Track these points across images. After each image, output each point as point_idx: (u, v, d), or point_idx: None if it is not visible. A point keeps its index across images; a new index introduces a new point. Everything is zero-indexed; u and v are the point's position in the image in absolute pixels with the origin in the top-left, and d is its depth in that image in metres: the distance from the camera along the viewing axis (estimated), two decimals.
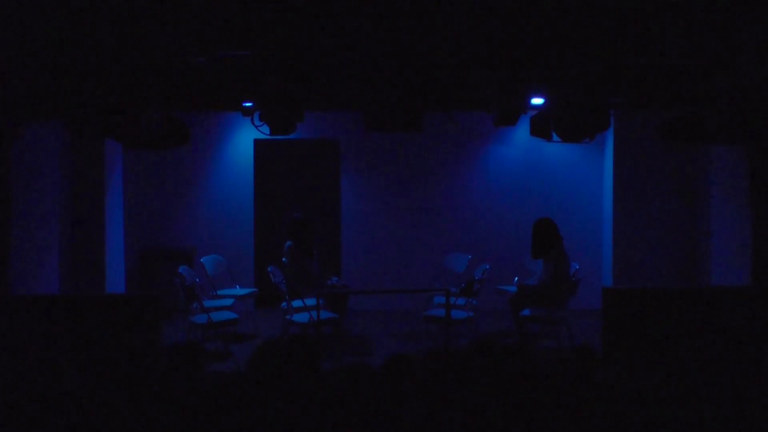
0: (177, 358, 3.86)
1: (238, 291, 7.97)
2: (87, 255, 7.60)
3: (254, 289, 8.31)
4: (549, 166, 9.09)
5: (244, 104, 7.03)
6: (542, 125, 6.63)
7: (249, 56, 5.63)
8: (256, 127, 6.81)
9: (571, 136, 6.27)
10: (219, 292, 7.77)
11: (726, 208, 7.86)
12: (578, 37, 5.15)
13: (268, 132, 6.73)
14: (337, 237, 9.19)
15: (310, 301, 6.73)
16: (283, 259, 7.37)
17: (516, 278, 7.73)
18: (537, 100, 6.83)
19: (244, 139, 9.02)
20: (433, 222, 9.12)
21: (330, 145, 9.19)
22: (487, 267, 7.09)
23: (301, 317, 6.74)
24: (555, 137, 6.53)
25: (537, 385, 3.67)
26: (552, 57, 5.61)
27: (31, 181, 7.13)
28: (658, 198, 8.57)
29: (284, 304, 6.96)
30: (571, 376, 3.81)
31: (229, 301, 7.42)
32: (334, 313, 6.95)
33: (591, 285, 8.27)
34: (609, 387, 4.19)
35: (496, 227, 9.07)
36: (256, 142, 9.01)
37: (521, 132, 8.62)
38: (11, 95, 6.08)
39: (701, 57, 5.47)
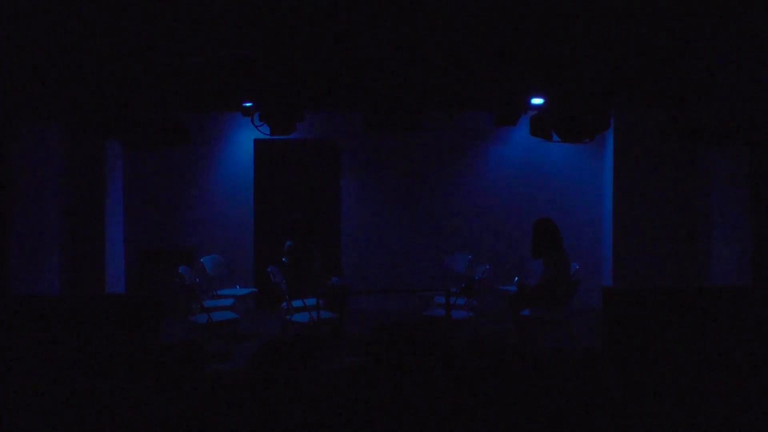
0: (177, 358, 3.87)
1: (238, 291, 7.97)
2: (87, 255, 7.60)
3: (254, 289, 8.31)
4: (549, 166, 9.09)
5: (244, 104, 7.03)
6: (542, 125, 6.63)
7: (249, 56, 5.64)
8: (256, 127, 6.81)
9: (571, 136, 6.28)
10: (219, 292, 7.76)
11: (726, 208, 7.86)
12: (578, 37, 5.15)
13: (268, 132, 6.73)
14: (337, 237, 9.19)
15: (310, 301, 6.72)
16: (283, 259, 7.37)
17: (516, 278, 7.73)
18: (537, 100, 6.84)
19: (244, 139, 9.01)
20: (433, 222, 9.11)
21: (330, 145, 9.19)
22: (487, 267, 7.09)
23: (301, 317, 6.73)
24: (555, 137, 6.53)
25: (537, 385, 3.67)
26: (552, 57, 5.61)
27: (31, 181, 7.14)
28: (658, 198, 8.57)
29: (284, 304, 6.96)
30: (570, 376, 3.81)
31: (229, 301, 7.42)
32: (334, 313, 6.95)
33: (591, 285, 8.27)
34: (609, 387, 4.18)
35: (496, 227, 9.07)
36: (256, 142, 9.01)
37: (521, 132, 8.62)
38: (11, 95, 6.08)
39: (701, 57, 5.47)
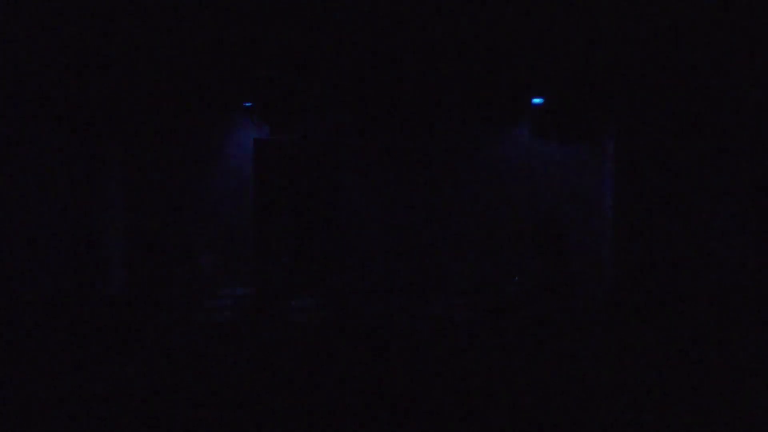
0: (177, 357, 3.87)
1: (238, 291, 7.97)
2: (87, 255, 7.61)
3: (254, 289, 8.31)
4: (549, 166, 9.09)
5: (244, 104, 7.04)
6: (542, 125, 6.64)
7: (249, 56, 5.64)
8: (257, 127, 6.82)
9: (571, 136, 6.29)
10: (219, 292, 7.77)
11: (726, 208, 7.86)
12: (578, 38, 5.15)
13: (268, 132, 6.73)
14: (337, 237, 9.19)
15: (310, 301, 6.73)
16: (283, 259, 7.37)
17: (516, 278, 7.74)
18: (537, 100, 6.85)
19: (244, 139, 9.02)
20: (433, 222, 9.12)
21: (330, 145, 9.19)
22: (489, 267, 7.09)
23: (300, 317, 6.74)
24: (555, 137, 6.54)
25: (537, 385, 3.67)
26: (552, 57, 5.62)
27: (31, 181, 7.14)
28: (658, 198, 8.57)
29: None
30: (571, 376, 3.81)
31: (229, 301, 7.42)
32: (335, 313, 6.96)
33: (591, 285, 8.27)
34: (610, 386, 4.19)
35: (496, 227, 9.07)
36: (256, 142, 9.01)
37: (521, 132, 8.62)
38: (12, 96, 6.09)
39: (701, 58, 5.48)
